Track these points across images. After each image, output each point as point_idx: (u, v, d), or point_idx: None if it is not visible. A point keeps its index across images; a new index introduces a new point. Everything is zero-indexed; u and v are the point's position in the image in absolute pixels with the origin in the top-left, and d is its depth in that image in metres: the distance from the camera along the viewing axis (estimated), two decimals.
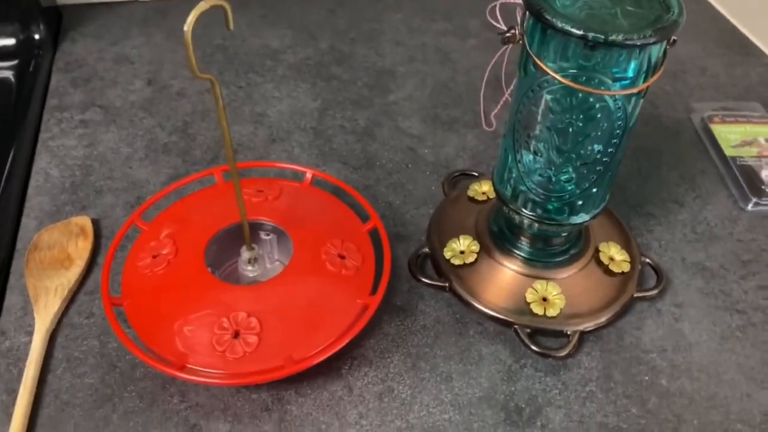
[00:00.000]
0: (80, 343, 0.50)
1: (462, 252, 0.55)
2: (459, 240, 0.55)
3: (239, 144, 0.67)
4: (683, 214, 0.62)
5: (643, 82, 0.41)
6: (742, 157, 0.66)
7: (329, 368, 0.48)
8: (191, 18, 0.35)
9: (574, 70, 0.40)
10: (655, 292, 0.54)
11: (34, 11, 0.76)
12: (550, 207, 0.48)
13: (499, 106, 0.53)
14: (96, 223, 0.58)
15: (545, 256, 0.53)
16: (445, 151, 0.68)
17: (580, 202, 0.48)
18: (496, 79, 0.52)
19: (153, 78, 0.75)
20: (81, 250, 0.55)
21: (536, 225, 0.50)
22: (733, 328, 0.53)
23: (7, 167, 0.62)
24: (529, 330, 0.50)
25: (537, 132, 0.45)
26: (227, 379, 0.44)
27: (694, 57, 0.82)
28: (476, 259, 0.54)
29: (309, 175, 0.58)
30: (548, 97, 0.43)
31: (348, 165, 0.66)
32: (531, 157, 0.47)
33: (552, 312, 0.50)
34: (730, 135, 0.68)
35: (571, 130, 0.43)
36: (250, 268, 0.51)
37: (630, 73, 0.41)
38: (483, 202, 0.59)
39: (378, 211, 0.59)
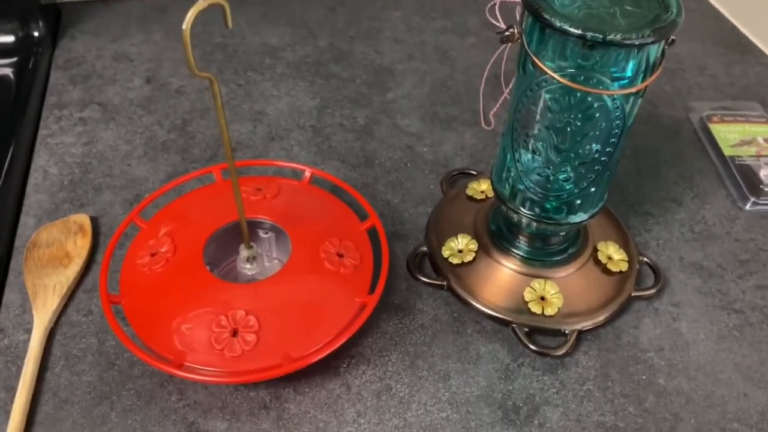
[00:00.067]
0: (79, 341, 0.50)
1: (460, 251, 0.55)
2: (457, 239, 0.55)
3: (238, 142, 0.67)
4: (681, 214, 0.62)
5: (642, 81, 0.41)
6: (740, 156, 0.66)
7: (327, 366, 0.49)
8: (190, 16, 0.35)
9: (573, 70, 0.40)
10: (652, 291, 0.54)
11: (34, 8, 0.76)
12: (549, 206, 0.49)
13: (497, 105, 0.53)
14: (95, 221, 0.58)
15: (543, 255, 0.53)
16: (444, 149, 0.68)
17: (579, 202, 0.48)
18: (495, 77, 0.52)
19: (152, 76, 0.75)
20: (79, 248, 0.55)
21: (534, 224, 0.50)
22: (731, 327, 0.53)
23: (6, 165, 0.62)
24: (526, 329, 0.50)
25: (535, 131, 0.45)
26: (225, 378, 0.45)
27: (693, 56, 0.82)
28: (474, 258, 0.54)
29: (308, 174, 0.58)
30: (547, 96, 0.43)
31: (347, 163, 0.66)
32: (529, 156, 0.47)
33: (550, 311, 0.50)
34: (728, 134, 0.68)
35: (569, 129, 0.43)
36: (248, 266, 0.51)
37: (628, 73, 0.41)
38: (481, 200, 0.59)
39: (376, 210, 0.59)
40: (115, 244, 0.52)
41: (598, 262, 0.54)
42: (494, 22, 0.47)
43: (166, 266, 0.49)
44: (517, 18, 0.44)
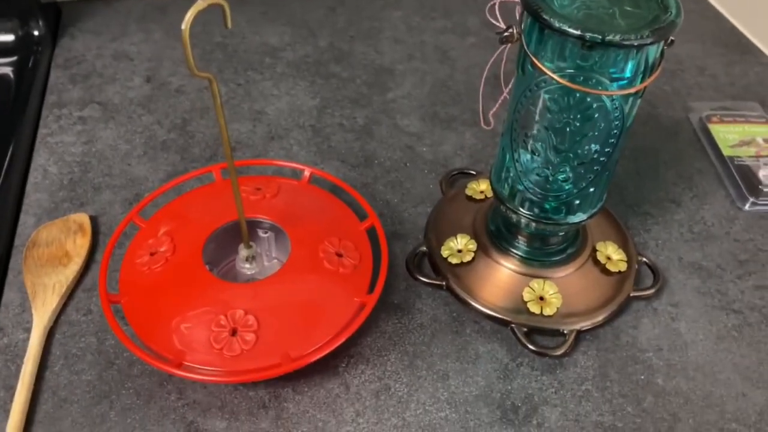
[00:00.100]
0: (78, 340, 0.50)
1: (459, 251, 0.55)
2: (456, 239, 0.55)
3: (238, 141, 0.67)
4: (680, 214, 0.62)
5: (641, 82, 0.41)
6: (739, 156, 0.66)
7: (326, 366, 0.49)
8: (189, 16, 0.35)
9: (572, 70, 0.40)
10: (651, 291, 0.54)
11: (34, 7, 0.76)
12: (548, 206, 0.49)
13: (497, 105, 0.53)
14: (94, 220, 0.58)
15: (542, 255, 0.54)
16: (444, 149, 0.68)
17: (578, 202, 0.48)
18: (495, 77, 0.52)
19: (152, 75, 0.75)
20: (79, 247, 0.55)
21: (533, 224, 0.50)
22: (729, 327, 0.53)
23: (6, 164, 0.62)
24: (525, 329, 0.51)
25: (534, 131, 0.45)
26: (224, 377, 0.45)
27: (693, 56, 0.82)
28: (473, 258, 0.54)
29: (307, 173, 0.58)
30: (546, 96, 0.43)
31: (346, 163, 0.66)
32: (528, 156, 0.47)
33: (549, 311, 0.50)
34: (728, 135, 0.69)
35: (568, 129, 0.43)
36: (247, 266, 0.51)
37: (627, 74, 0.41)
38: (481, 200, 0.59)
39: (376, 210, 0.59)
40: (115, 244, 0.52)
41: (597, 262, 0.54)
42: (494, 22, 0.47)
43: (166, 265, 0.49)
44: (517, 18, 0.44)
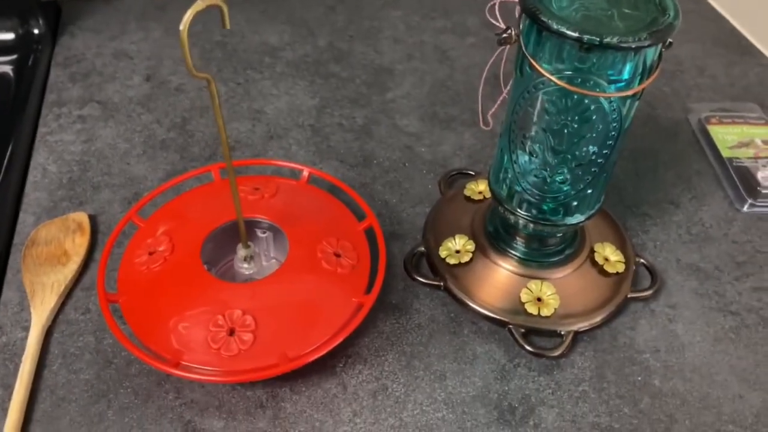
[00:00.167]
0: (76, 339, 0.50)
1: (457, 251, 0.55)
2: (454, 239, 0.55)
3: (237, 141, 0.67)
4: (679, 215, 0.62)
5: (639, 84, 0.42)
6: (738, 158, 0.66)
7: (324, 366, 0.49)
8: (187, 17, 0.35)
9: (570, 72, 0.40)
10: (649, 292, 0.54)
11: (33, 6, 0.76)
12: (545, 208, 0.49)
13: (496, 105, 0.53)
14: (93, 219, 0.58)
15: (540, 256, 0.54)
16: (443, 149, 0.68)
17: (575, 203, 0.48)
18: (494, 77, 0.52)
19: (151, 74, 0.75)
20: (78, 246, 0.55)
21: (531, 225, 0.50)
22: (727, 329, 0.53)
23: (5, 162, 0.62)
24: (523, 330, 0.51)
25: (532, 133, 0.45)
26: (222, 377, 0.45)
27: (693, 57, 0.82)
28: (471, 259, 0.54)
29: (306, 173, 0.58)
30: (544, 98, 0.43)
31: (345, 163, 0.66)
32: (526, 157, 0.47)
33: (546, 312, 0.51)
34: (727, 136, 0.69)
35: (566, 131, 0.43)
36: (245, 265, 0.51)
37: (625, 76, 0.41)
38: (479, 201, 0.59)
39: (374, 210, 0.59)
40: (114, 243, 0.52)
41: (594, 263, 0.54)
42: (494, 22, 0.47)
43: (164, 265, 0.49)
44: (517, 19, 0.44)
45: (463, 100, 0.74)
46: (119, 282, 0.49)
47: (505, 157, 0.49)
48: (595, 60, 0.40)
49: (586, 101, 0.42)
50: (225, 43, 0.80)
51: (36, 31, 0.76)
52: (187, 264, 0.49)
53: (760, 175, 0.64)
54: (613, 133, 0.44)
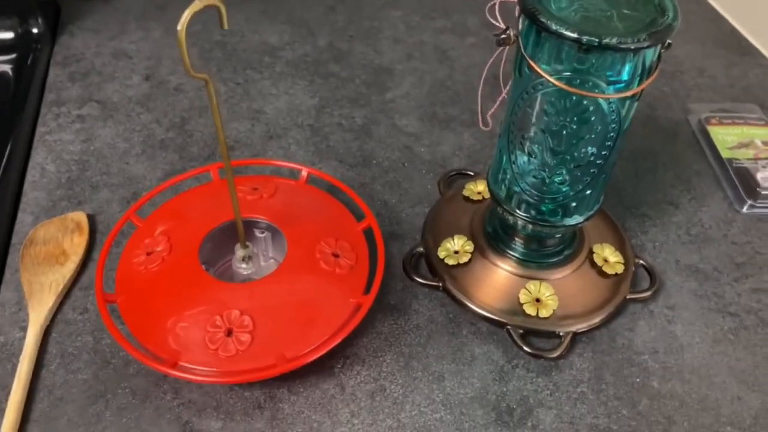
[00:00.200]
0: (74, 339, 0.50)
1: (456, 252, 0.55)
2: (453, 240, 0.55)
3: (236, 141, 0.67)
4: (678, 216, 0.62)
5: (638, 85, 0.41)
6: (738, 159, 0.66)
7: (322, 367, 0.49)
8: (185, 17, 0.35)
9: (569, 73, 0.40)
10: (648, 293, 0.54)
11: (32, 5, 0.76)
12: (544, 208, 0.49)
13: (495, 106, 0.53)
14: (92, 219, 0.58)
15: (539, 256, 0.53)
16: (442, 149, 0.68)
17: (574, 204, 0.48)
18: (494, 77, 0.52)
19: (151, 73, 0.75)
20: (76, 245, 0.55)
21: (530, 226, 0.50)
22: (726, 330, 0.53)
23: (4, 162, 0.62)
24: (521, 330, 0.51)
25: (531, 134, 0.45)
26: (219, 377, 0.45)
27: (693, 57, 0.82)
28: (470, 259, 0.54)
29: (305, 173, 0.58)
30: (542, 99, 0.43)
31: (344, 163, 0.66)
32: (525, 158, 0.47)
33: (544, 313, 0.50)
34: (726, 137, 0.68)
35: (565, 132, 0.43)
36: (244, 266, 0.51)
37: (624, 77, 0.41)
38: (478, 201, 0.59)
39: (373, 210, 0.59)
40: (112, 243, 0.52)
41: (593, 264, 0.54)
42: (494, 22, 0.46)
43: (162, 265, 0.49)
44: (516, 19, 0.44)
45: (463, 100, 0.74)
46: (117, 282, 0.49)
47: (504, 158, 0.49)
48: (594, 61, 0.40)
49: (585, 102, 0.42)
50: (225, 42, 0.80)
51: (35, 31, 0.76)
52: (185, 264, 0.49)
53: (759, 176, 0.63)
54: (612, 134, 0.44)
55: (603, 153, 0.45)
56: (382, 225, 0.59)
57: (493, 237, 0.55)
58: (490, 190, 0.52)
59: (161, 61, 0.76)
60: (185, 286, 0.48)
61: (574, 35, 0.38)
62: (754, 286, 0.56)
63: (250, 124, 0.69)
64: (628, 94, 0.41)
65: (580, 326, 0.51)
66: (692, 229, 0.61)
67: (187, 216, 0.53)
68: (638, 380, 0.49)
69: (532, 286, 0.52)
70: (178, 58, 0.77)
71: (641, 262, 0.56)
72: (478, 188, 0.60)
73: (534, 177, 0.47)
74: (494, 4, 0.47)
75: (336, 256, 0.50)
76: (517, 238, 0.53)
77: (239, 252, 0.50)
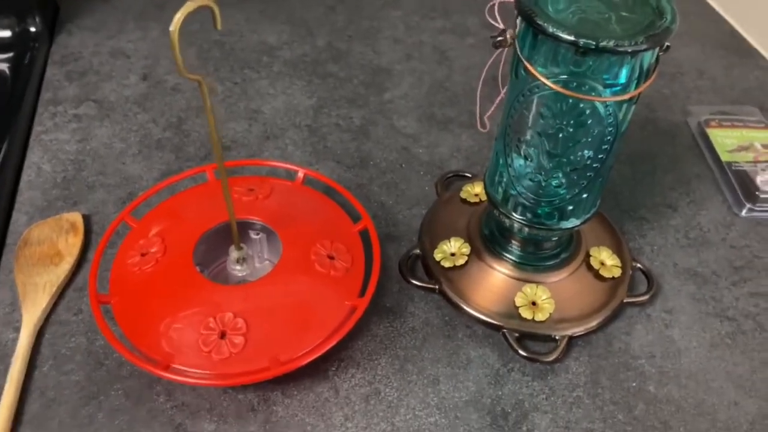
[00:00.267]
0: (68, 340, 0.50)
1: (452, 254, 0.54)
2: (450, 242, 0.55)
3: (233, 141, 0.67)
4: (677, 219, 0.62)
5: (635, 88, 0.41)
6: (737, 162, 0.65)
7: (316, 369, 0.48)
8: (177, 18, 0.35)
9: (565, 76, 0.40)
10: (645, 297, 0.54)
11: (31, 3, 0.75)
12: (541, 212, 0.48)
13: (493, 107, 0.52)
14: (87, 219, 0.58)
15: (536, 259, 0.53)
16: (440, 151, 0.67)
17: (571, 207, 0.48)
18: (493, 79, 0.52)
19: (148, 73, 0.75)
20: (71, 246, 0.55)
21: (526, 229, 0.50)
22: (723, 335, 0.53)
23: (0, 161, 0.61)
24: (517, 334, 0.50)
25: (528, 137, 0.45)
26: (212, 380, 0.44)
27: (693, 59, 0.82)
28: (467, 262, 0.54)
29: (301, 174, 0.58)
30: (539, 102, 0.42)
31: (342, 164, 0.65)
32: (521, 161, 0.46)
33: (541, 316, 0.50)
34: (726, 139, 0.68)
35: (561, 135, 0.43)
36: (238, 267, 0.51)
37: (621, 80, 0.40)
38: (475, 204, 0.59)
39: (370, 211, 0.59)
40: (106, 244, 0.52)
41: (590, 267, 0.54)
42: (493, 22, 0.46)
43: (156, 266, 0.49)
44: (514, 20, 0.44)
45: (462, 101, 0.74)
46: (111, 283, 0.49)
47: (501, 161, 0.48)
48: (590, 63, 0.39)
49: (582, 105, 0.41)
50: (223, 42, 0.80)
51: (33, 29, 0.76)
52: (179, 265, 0.49)
53: (759, 180, 0.63)
54: (608, 137, 0.43)
55: (600, 156, 0.44)
56: (379, 227, 0.59)
57: (489, 239, 0.55)
58: (486, 193, 0.51)
59: (159, 61, 0.76)
60: (179, 287, 0.48)
61: (571, 38, 0.37)
62: (753, 290, 0.56)
63: (247, 124, 0.69)
64: (626, 97, 0.41)
65: (577, 330, 0.51)
66: (691, 232, 0.61)
67: (182, 217, 0.53)
68: (634, 385, 0.49)
69: (528, 289, 0.52)
70: None
71: (639, 265, 0.56)
72: (475, 190, 0.59)
73: (530, 180, 0.47)
74: (494, 4, 0.47)
75: (331, 258, 0.50)
76: (513, 241, 0.53)
77: (234, 254, 0.50)
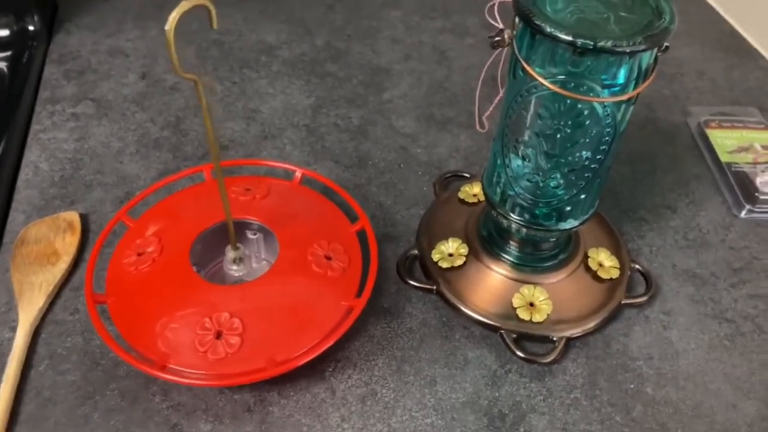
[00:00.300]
0: (64, 340, 0.50)
1: (450, 255, 0.54)
2: (448, 242, 0.55)
3: (231, 140, 0.67)
4: (676, 220, 0.61)
5: (634, 89, 0.41)
6: (737, 163, 0.65)
7: (313, 370, 0.48)
8: (173, 17, 0.35)
9: (563, 76, 0.40)
10: (644, 298, 0.53)
11: (29, 2, 0.75)
12: (538, 212, 0.48)
13: (491, 107, 0.52)
14: (84, 218, 0.58)
15: (534, 260, 0.53)
16: (438, 151, 0.67)
17: (569, 208, 0.48)
18: (492, 79, 0.51)
19: (147, 72, 0.75)
20: (68, 245, 0.55)
21: (524, 230, 0.49)
22: (722, 336, 0.52)
23: None
24: (515, 335, 0.50)
25: (525, 137, 0.44)
26: (208, 380, 0.44)
27: (693, 60, 0.81)
28: (464, 263, 0.54)
29: (298, 174, 0.57)
30: (536, 102, 0.42)
31: (340, 163, 0.65)
32: (519, 161, 0.46)
33: (538, 317, 0.50)
34: (726, 140, 0.68)
35: (559, 136, 0.43)
36: (235, 267, 0.50)
37: (620, 80, 0.40)
38: (473, 204, 0.58)
39: (368, 211, 0.59)
40: (102, 243, 0.52)
41: (588, 268, 0.54)
42: (493, 22, 0.46)
43: (153, 266, 0.49)
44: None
45: (461, 101, 0.73)
46: (107, 283, 0.49)
47: (498, 161, 0.48)
48: (589, 64, 0.39)
49: (580, 106, 0.41)
50: (222, 41, 0.80)
51: (31, 28, 0.76)
52: (175, 265, 0.49)
53: (758, 181, 0.63)
54: (607, 138, 0.43)
55: (598, 157, 0.44)
56: (377, 227, 0.58)
57: (487, 240, 0.54)
58: (484, 193, 0.51)
59: (157, 60, 0.76)
60: (175, 287, 0.48)
61: (569, 38, 0.37)
62: (751, 291, 0.56)
63: (245, 123, 0.69)
64: (624, 98, 0.41)
65: (574, 331, 0.50)
66: (690, 233, 0.60)
67: (179, 216, 0.53)
68: (632, 386, 0.49)
69: (526, 290, 0.51)
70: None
71: (637, 266, 0.56)
72: (473, 190, 0.59)
73: (528, 181, 0.46)
74: (494, 4, 0.47)
75: (328, 258, 0.50)
76: (511, 242, 0.53)
77: (230, 254, 0.50)
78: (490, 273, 0.53)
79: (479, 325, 0.51)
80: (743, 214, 0.62)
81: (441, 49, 0.81)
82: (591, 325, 0.51)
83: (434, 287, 0.53)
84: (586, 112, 0.41)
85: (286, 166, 0.59)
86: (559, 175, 0.45)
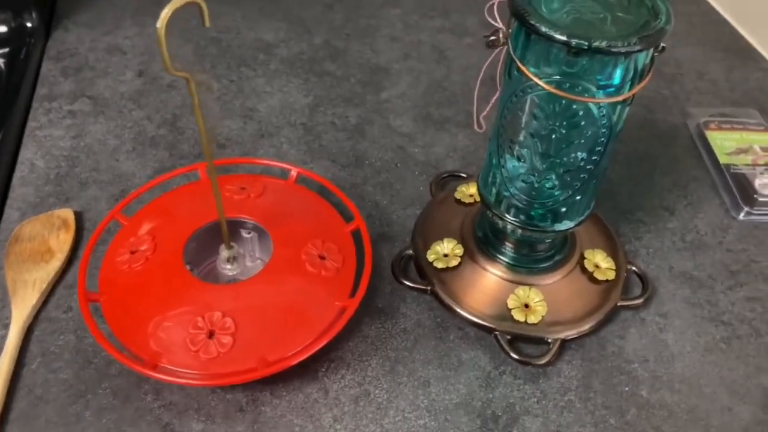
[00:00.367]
0: (57, 338, 0.49)
1: (446, 255, 0.54)
2: (443, 243, 0.55)
3: (227, 138, 0.67)
4: (673, 222, 0.61)
5: (629, 89, 0.41)
6: (736, 165, 0.65)
7: (305, 370, 0.48)
8: (164, 15, 0.34)
9: (558, 77, 0.40)
10: (640, 301, 0.53)
11: None
12: (534, 213, 0.48)
13: (488, 108, 0.52)
14: (79, 216, 0.58)
15: (529, 261, 0.53)
16: (436, 150, 0.67)
17: (564, 209, 0.47)
18: (491, 79, 0.51)
19: (144, 69, 0.74)
20: (62, 243, 0.55)
21: (520, 231, 0.49)
22: (718, 339, 0.52)
23: None
24: (509, 336, 0.50)
25: (520, 138, 0.44)
26: (200, 380, 0.44)
27: (693, 60, 0.81)
28: (460, 263, 0.53)
29: (294, 173, 0.57)
30: (532, 102, 0.42)
31: (336, 163, 0.65)
32: (514, 162, 0.46)
33: (533, 319, 0.50)
34: (725, 142, 0.67)
35: (554, 136, 0.42)
36: (228, 266, 0.50)
37: (615, 81, 0.40)
38: (470, 204, 0.58)
39: (364, 211, 0.58)
40: (96, 241, 0.51)
41: (584, 269, 0.53)
42: (492, 22, 0.46)
43: (146, 265, 0.48)
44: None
45: (459, 101, 0.73)
46: (100, 281, 0.49)
47: (494, 161, 0.48)
48: (584, 64, 0.39)
49: (575, 106, 0.41)
50: (220, 39, 0.79)
51: (29, 25, 0.76)
52: (168, 264, 0.48)
53: (757, 183, 0.62)
54: (602, 139, 0.43)
55: (593, 158, 0.44)
56: (373, 227, 0.58)
57: (483, 241, 0.54)
58: (480, 194, 0.51)
59: (155, 58, 0.76)
60: (168, 286, 0.47)
61: (563, 38, 0.37)
62: (749, 294, 0.56)
63: (242, 121, 0.69)
64: (620, 98, 0.41)
65: (569, 333, 0.50)
66: (687, 235, 0.60)
67: (173, 215, 0.53)
68: (627, 389, 0.49)
69: (521, 291, 0.51)
70: (173, 55, 0.76)
71: (634, 268, 0.55)
72: (470, 191, 0.59)
73: (523, 181, 0.46)
74: (493, 4, 0.47)
75: (322, 258, 0.50)
76: (507, 243, 0.53)
77: (224, 253, 0.50)
78: (485, 274, 0.53)
79: (474, 326, 0.51)
80: (741, 216, 0.61)
81: (440, 48, 0.81)
82: (586, 326, 0.51)
83: (429, 288, 0.53)
84: (581, 113, 0.41)
85: (282, 165, 0.59)
86: (554, 176, 0.45)
